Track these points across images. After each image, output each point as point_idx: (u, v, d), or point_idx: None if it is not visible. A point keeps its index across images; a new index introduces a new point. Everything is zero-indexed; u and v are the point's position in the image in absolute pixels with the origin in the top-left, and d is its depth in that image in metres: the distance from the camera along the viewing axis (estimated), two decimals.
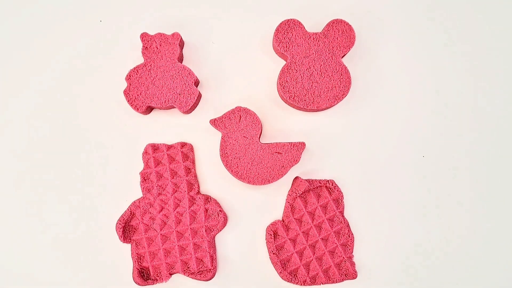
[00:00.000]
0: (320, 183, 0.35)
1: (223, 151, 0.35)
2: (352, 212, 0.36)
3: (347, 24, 0.35)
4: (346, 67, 0.35)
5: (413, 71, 0.37)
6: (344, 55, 0.36)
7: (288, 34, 0.35)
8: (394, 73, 0.37)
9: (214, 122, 0.35)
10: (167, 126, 0.37)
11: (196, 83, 0.36)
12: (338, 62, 0.35)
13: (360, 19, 0.37)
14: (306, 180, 0.35)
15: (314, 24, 0.37)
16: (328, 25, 0.35)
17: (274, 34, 0.35)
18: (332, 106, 0.35)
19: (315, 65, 0.35)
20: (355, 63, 0.37)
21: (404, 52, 0.38)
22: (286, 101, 0.36)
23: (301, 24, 0.35)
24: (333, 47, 0.35)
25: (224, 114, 0.35)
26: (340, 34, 0.35)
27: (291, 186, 0.36)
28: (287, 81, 0.35)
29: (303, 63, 0.35)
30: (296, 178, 0.36)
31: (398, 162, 0.37)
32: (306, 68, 0.35)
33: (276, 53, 0.37)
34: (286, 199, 0.36)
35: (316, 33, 0.35)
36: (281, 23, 0.35)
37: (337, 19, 0.35)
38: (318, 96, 0.35)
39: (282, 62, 0.37)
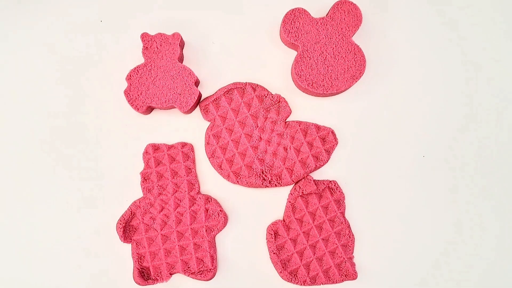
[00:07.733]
0: (323, 183, 0.35)
1: (210, 150, 0.35)
2: (353, 213, 0.36)
3: (352, 3, 0.35)
4: (358, 46, 0.35)
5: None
6: (353, 34, 0.36)
7: (295, 24, 0.35)
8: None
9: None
10: (168, 126, 0.37)
11: (197, 83, 0.36)
12: (350, 42, 0.35)
13: None
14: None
15: (318, 9, 0.37)
16: (333, 7, 0.35)
17: (281, 25, 0.35)
18: (350, 86, 0.36)
19: (328, 49, 0.35)
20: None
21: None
22: (304, 90, 0.36)
23: (307, 11, 0.35)
24: (341, 29, 0.35)
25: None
26: (346, 14, 0.35)
27: (294, 185, 0.36)
28: (302, 69, 0.35)
29: (315, 49, 0.35)
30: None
31: (400, 163, 0.36)
32: (319, 53, 0.35)
33: (285, 44, 0.37)
34: (288, 199, 0.36)
35: (322, 18, 0.35)
36: (286, 14, 0.35)
37: (341, 0, 0.35)
38: (336, 79, 0.35)
39: (288, 53, 0.37)
